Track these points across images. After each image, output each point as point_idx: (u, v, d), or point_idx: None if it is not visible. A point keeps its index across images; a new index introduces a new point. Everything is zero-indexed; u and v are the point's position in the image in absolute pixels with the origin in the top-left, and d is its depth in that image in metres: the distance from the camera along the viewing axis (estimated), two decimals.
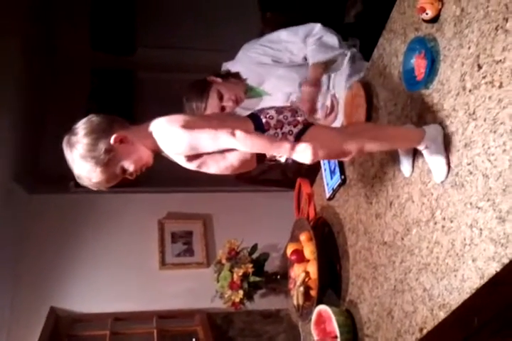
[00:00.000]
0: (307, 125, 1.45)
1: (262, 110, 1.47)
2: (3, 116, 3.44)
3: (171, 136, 1.41)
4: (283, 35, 2.50)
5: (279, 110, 1.46)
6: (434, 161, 1.51)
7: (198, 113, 2.47)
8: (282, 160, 1.46)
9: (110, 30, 4.88)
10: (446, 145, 1.48)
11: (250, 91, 2.61)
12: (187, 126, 1.39)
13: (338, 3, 3.26)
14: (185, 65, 4.49)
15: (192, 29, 4.77)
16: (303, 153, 1.37)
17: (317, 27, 2.44)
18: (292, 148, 1.37)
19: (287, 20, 3.23)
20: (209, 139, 1.38)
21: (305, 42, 2.46)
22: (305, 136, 1.43)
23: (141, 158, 1.46)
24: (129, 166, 1.45)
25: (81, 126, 1.43)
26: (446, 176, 1.48)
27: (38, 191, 3.62)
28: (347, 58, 2.45)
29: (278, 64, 2.50)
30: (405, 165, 1.67)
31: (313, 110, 2.48)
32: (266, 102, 2.61)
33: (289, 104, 2.58)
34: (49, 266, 3.34)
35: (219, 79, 2.50)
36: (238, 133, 1.35)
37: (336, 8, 3.25)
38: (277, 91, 2.56)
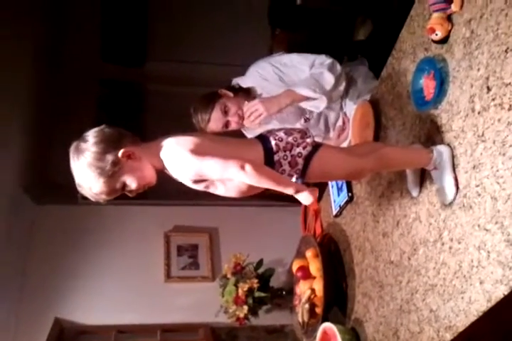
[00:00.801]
0: (316, 146, 1.46)
1: (271, 131, 1.48)
2: (12, 126, 3.46)
3: (178, 160, 1.41)
4: (294, 60, 2.47)
5: (289, 132, 1.47)
6: (442, 182, 1.51)
7: (202, 125, 2.46)
8: (294, 179, 1.47)
9: (121, 41, 4.92)
10: (455, 167, 1.49)
11: None
12: (196, 151, 1.38)
13: (347, 21, 3.27)
14: (195, 79, 4.51)
15: (202, 43, 4.80)
16: (305, 198, 1.41)
17: (327, 61, 2.37)
18: (296, 191, 1.39)
19: (297, 37, 3.25)
20: (217, 168, 1.38)
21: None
22: (314, 159, 1.45)
23: (145, 176, 1.46)
24: (131, 183, 1.45)
25: (92, 135, 1.43)
26: (454, 197, 1.48)
27: (45, 202, 3.63)
28: (322, 106, 2.41)
29: (285, 85, 2.49)
30: (413, 184, 1.67)
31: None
32: (278, 118, 2.60)
33: (302, 121, 2.58)
34: (54, 277, 3.34)
35: (230, 94, 2.49)
36: (248, 167, 1.34)
37: (345, 26, 3.26)
38: (290, 107, 2.54)
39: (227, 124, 2.47)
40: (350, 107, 2.46)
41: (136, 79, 5.00)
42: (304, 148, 1.44)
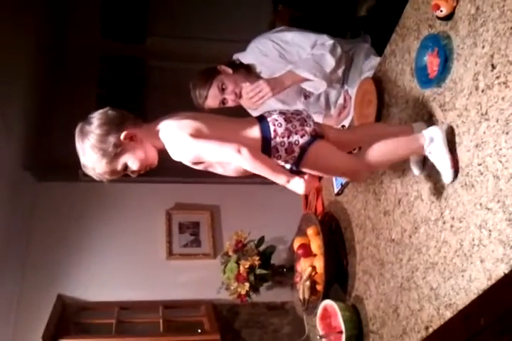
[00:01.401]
0: (314, 136, 1.46)
1: (271, 114, 1.48)
2: (14, 103, 3.44)
3: (178, 143, 1.44)
4: (296, 38, 2.45)
5: (289, 118, 1.47)
6: (439, 165, 1.51)
7: (200, 101, 2.47)
8: (287, 166, 1.49)
9: (121, 18, 4.87)
10: (455, 145, 1.48)
11: None
12: (195, 135, 1.41)
13: None
14: (196, 55, 4.46)
15: (203, 19, 4.74)
16: (296, 187, 1.41)
17: (328, 42, 2.36)
18: (287, 181, 1.40)
19: (299, 13, 3.21)
20: (215, 152, 1.40)
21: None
22: (310, 150, 1.45)
23: (147, 158, 1.49)
24: (133, 164, 1.48)
25: (96, 117, 1.47)
26: (453, 178, 1.48)
27: (47, 179, 3.62)
28: (321, 89, 2.42)
29: (285, 61, 2.47)
30: (415, 163, 1.66)
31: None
32: (278, 95, 2.59)
33: (302, 98, 2.56)
34: (57, 254, 3.35)
35: (229, 70, 2.48)
36: (244, 151, 1.36)
37: (348, 1, 3.21)
38: None
39: (224, 101, 2.47)
40: (352, 85, 2.44)
41: (137, 56, 4.96)
42: (301, 136, 1.45)
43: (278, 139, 1.44)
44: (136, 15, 4.86)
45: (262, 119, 1.49)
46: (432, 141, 1.49)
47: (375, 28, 2.61)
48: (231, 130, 1.47)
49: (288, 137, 1.44)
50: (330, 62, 2.33)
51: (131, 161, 1.48)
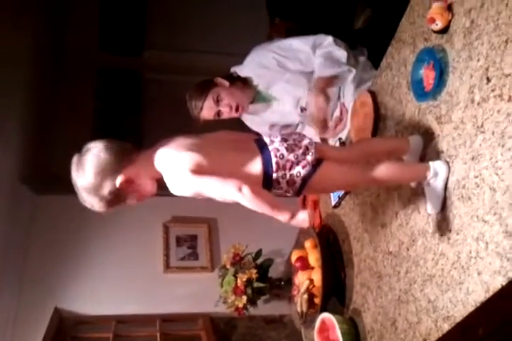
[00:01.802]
0: (316, 165, 1.44)
1: (272, 142, 1.45)
2: (12, 116, 3.45)
3: (178, 179, 1.41)
4: (294, 43, 2.48)
5: (291, 147, 1.43)
6: (429, 197, 1.54)
7: (195, 112, 2.48)
8: (289, 195, 1.47)
9: (119, 30, 4.90)
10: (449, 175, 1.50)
11: (258, 96, 2.61)
12: (196, 170, 1.39)
13: (347, 9, 3.25)
14: (193, 68, 4.49)
15: (201, 32, 4.78)
16: (301, 222, 1.39)
17: (328, 39, 2.41)
18: (291, 217, 1.37)
19: (296, 26, 3.24)
20: (216, 190, 1.38)
21: (314, 52, 2.45)
22: (312, 179, 1.43)
23: (145, 193, 1.49)
24: (132, 200, 1.49)
25: (90, 162, 1.43)
26: (435, 213, 1.52)
27: (44, 192, 3.62)
28: (352, 75, 2.43)
29: (285, 70, 2.49)
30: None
31: (326, 126, 2.45)
32: (274, 107, 2.60)
33: (298, 111, 2.57)
34: (54, 267, 3.34)
35: (226, 83, 2.49)
36: (245, 190, 1.33)
37: (345, 14, 3.24)
38: (286, 95, 2.55)
39: (219, 113, 2.48)
40: (348, 97, 2.45)
41: (134, 68, 4.98)
42: (303, 167, 1.42)
43: (280, 172, 1.41)
44: (133, 28, 4.89)
45: (262, 148, 1.44)
46: (435, 176, 1.50)
47: (371, 41, 2.63)
48: (232, 163, 1.43)
49: (290, 169, 1.41)
50: (341, 54, 2.40)
51: (130, 199, 1.48)
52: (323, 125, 2.38)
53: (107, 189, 1.42)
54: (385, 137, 1.90)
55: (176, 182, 1.42)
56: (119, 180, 1.42)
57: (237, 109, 2.48)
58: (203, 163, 1.40)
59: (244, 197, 1.34)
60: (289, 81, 2.51)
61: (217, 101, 2.46)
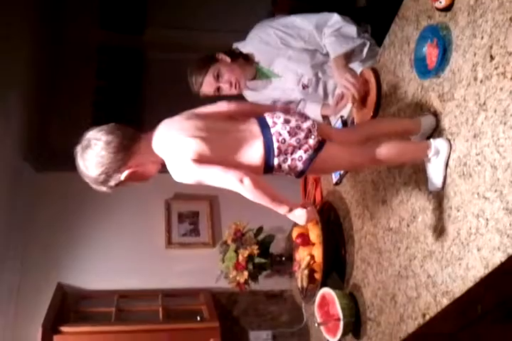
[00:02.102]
0: (317, 149, 1.43)
1: (275, 123, 1.44)
2: (13, 93, 3.44)
3: (180, 168, 1.43)
4: (296, 21, 2.47)
5: (293, 130, 1.43)
6: (431, 174, 1.55)
7: (195, 88, 2.48)
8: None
9: (120, 8, 4.85)
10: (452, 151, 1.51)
11: (260, 73, 2.60)
12: (198, 160, 1.40)
13: None
14: (195, 46, 4.44)
15: (203, 9, 4.72)
16: (298, 218, 1.43)
17: (334, 17, 2.39)
18: (289, 211, 1.41)
19: (299, 4, 3.21)
20: (217, 180, 1.40)
21: (321, 32, 2.43)
22: (313, 162, 1.43)
23: (150, 175, 1.52)
24: (138, 182, 1.52)
25: (94, 157, 1.43)
26: (436, 190, 1.54)
27: (46, 169, 3.63)
28: (367, 47, 2.42)
29: (288, 47, 2.49)
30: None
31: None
32: (276, 84, 2.60)
33: (300, 88, 2.56)
34: (57, 243, 3.37)
35: (227, 59, 2.49)
36: (246, 181, 1.36)
37: None
38: (288, 72, 2.55)
39: (218, 89, 2.49)
40: None
41: (135, 47, 4.94)
42: (305, 151, 1.42)
43: (281, 157, 1.41)
44: (135, 6, 4.84)
45: (264, 130, 1.44)
46: (437, 154, 1.51)
47: (374, 19, 2.62)
48: (233, 147, 1.43)
49: (291, 153, 1.41)
50: (351, 29, 2.39)
51: (133, 183, 1.50)
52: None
53: (113, 182, 1.46)
54: (395, 118, 1.86)
55: (177, 169, 1.44)
56: (125, 174, 1.45)
57: (236, 86, 2.49)
58: (204, 151, 1.41)
59: (245, 189, 1.36)
60: (291, 58, 2.50)
61: (218, 77, 2.46)
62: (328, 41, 2.40)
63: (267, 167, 1.44)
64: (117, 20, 4.84)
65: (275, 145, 1.41)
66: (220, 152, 1.42)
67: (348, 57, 2.36)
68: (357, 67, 2.42)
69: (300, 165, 1.43)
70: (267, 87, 2.62)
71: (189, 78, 2.50)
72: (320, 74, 2.53)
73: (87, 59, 4.69)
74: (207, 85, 2.47)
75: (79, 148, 1.47)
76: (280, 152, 1.41)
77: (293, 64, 2.52)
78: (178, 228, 3.58)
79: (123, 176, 1.45)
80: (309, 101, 2.61)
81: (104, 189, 1.49)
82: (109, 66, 4.84)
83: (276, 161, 1.42)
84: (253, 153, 1.43)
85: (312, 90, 2.58)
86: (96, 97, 4.60)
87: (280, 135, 1.42)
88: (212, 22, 4.71)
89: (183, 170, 1.42)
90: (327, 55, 2.47)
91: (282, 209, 1.41)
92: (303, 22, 2.46)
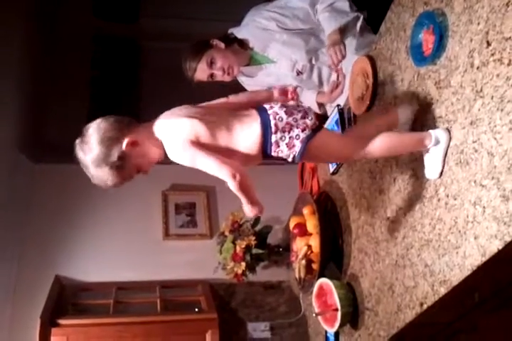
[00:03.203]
0: (315, 129, 1.46)
1: (272, 106, 1.47)
2: (8, 84, 3.42)
3: (176, 145, 1.45)
4: (291, 1, 2.49)
5: (290, 111, 1.46)
6: (429, 163, 1.55)
7: (189, 74, 2.50)
8: (289, 160, 1.49)
9: None
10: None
11: (254, 58, 2.60)
12: (195, 142, 1.43)
13: None
14: (190, 35, 4.42)
15: None
16: (247, 211, 1.52)
17: None
18: (255, 213, 1.52)
19: None
20: (211, 170, 1.43)
21: (314, 8, 2.44)
22: (311, 144, 1.45)
23: (154, 158, 1.51)
24: (143, 167, 1.51)
25: (92, 135, 1.46)
26: (436, 177, 1.53)
27: (42, 161, 3.62)
28: (360, 21, 2.42)
29: (283, 30, 2.49)
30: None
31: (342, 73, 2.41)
32: (270, 70, 2.60)
33: (294, 74, 2.56)
34: (54, 236, 3.36)
35: (222, 45, 2.50)
36: (238, 178, 1.40)
37: None
38: (282, 58, 2.55)
39: (212, 76, 2.49)
40: (347, 62, 2.44)
41: (130, 35, 4.91)
42: (302, 130, 1.44)
43: (279, 134, 1.43)
44: None
45: (262, 112, 1.47)
46: (436, 144, 1.50)
47: (370, 6, 2.60)
48: (231, 128, 1.46)
49: (289, 131, 1.44)
50: (342, 3, 2.40)
51: (141, 165, 1.50)
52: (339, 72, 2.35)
53: (115, 154, 1.45)
54: (374, 119, 1.81)
55: (174, 149, 1.45)
56: (125, 142, 1.45)
57: (229, 72, 2.50)
58: (202, 132, 1.43)
59: (235, 183, 1.40)
60: (285, 43, 2.51)
61: (211, 64, 2.47)
62: (322, 17, 2.42)
63: (265, 146, 1.45)
64: (111, 9, 4.81)
65: (272, 122, 1.44)
66: (217, 134, 1.44)
67: (343, 31, 2.38)
68: (350, 54, 2.41)
69: (298, 144, 1.44)
70: (261, 73, 2.62)
71: (183, 64, 2.52)
72: (314, 61, 2.53)
73: (81, 48, 4.66)
74: (200, 72, 2.49)
75: (77, 140, 1.48)
76: (277, 129, 1.43)
77: (287, 49, 2.52)
78: (176, 219, 3.56)
79: (124, 144, 1.45)
80: (305, 89, 2.60)
81: (108, 173, 1.46)
82: (104, 56, 4.82)
83: (273, 138, 1.43)
84: (251, 132, 1.45)
85: (307, 77, 2.57)
86: (92, 87, 4.58)
87: (277, 114, 1.45)
88: (207, 11, 4.68)
89: (179, 150, 1.44)
90: (321, 41, 2.47)
91: (252, 210, 1.49)
92: (297, 1, 2.48)
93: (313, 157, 1.51)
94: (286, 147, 1.44)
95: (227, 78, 2.53)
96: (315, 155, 1.50)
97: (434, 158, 1.52)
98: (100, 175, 1.48)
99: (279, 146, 1.44)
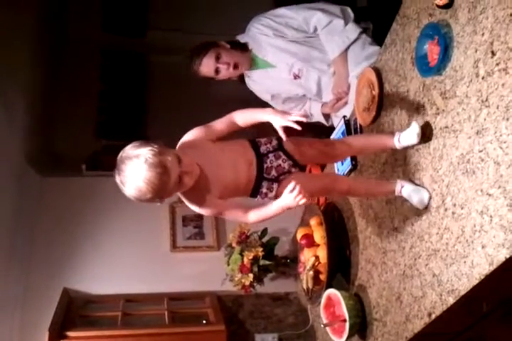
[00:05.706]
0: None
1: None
2: (18, 97, 3.45)
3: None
4: (286, 11, 2.62)
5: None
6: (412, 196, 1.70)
7: (195, 67, 2.61)
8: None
9: (122, 11, 4.87)
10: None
11: (255, 62, 2.71)
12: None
13: None
14: None
15: (204, 12, 4.75)
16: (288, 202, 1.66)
17: (316, 16, 2.54)
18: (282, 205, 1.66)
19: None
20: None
21: (308, 24, 2.58)
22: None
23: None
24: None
25: (133, 195, 1.58)
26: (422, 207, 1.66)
27: (50, 173, 3.64)
28: (364, 33, 2.56)
29: (278, 37, 2.61)
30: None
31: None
32: (271, 74, 2.71)
33: (291, 77, 2.64)
34: (62, 248, 3.37)
35: (227, 45, 2.64)
36: (251, 220, 1.72)
37: None
38: (279, 62, 2.67)
39: (217, 70, 2.60)
40: (351, 73, 2.50)
41: (138, 50, 4.96)
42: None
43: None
44: (136, 9, 4.86)
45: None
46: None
47: (375, 18, 2.63)
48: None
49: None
50: (339, 24, 2.52)
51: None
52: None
53: (157, 201, 1.61)
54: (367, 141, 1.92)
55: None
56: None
57: (234, 67, 2.62)
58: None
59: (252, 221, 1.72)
60: (281, 49, 2.63)
61: (217, 59, 2.59)
62: (324, 39, 2.55)
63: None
64: (119, 24, 4.86)
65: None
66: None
67: (343, 58, 2.55)
68: (353, 67, 2.50)
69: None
70: (265, 77, 2.71)
71: (190, 58, 2.63)
72: (310, 67, 2.63)
73: (90, 63, 4.71)
74: (206, 65, 2.60)
75: (117, 177, 1.57)
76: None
77: (283, 54, 2.65)
78: (183, 231, 3.57)
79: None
80: (313, 101, 2.67)
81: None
82: (112, 70, 4.86)
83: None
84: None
85: (305, 81, 2.63)
86: (100, 101, 4.62)
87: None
88: (213, 25, 4.71)
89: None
90: (317, 49, 2.62)
91: (279, 209, 1.65)
92: (290, 12, 2.61)
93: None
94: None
95: (232, 73, 2.65)
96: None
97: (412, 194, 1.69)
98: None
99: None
